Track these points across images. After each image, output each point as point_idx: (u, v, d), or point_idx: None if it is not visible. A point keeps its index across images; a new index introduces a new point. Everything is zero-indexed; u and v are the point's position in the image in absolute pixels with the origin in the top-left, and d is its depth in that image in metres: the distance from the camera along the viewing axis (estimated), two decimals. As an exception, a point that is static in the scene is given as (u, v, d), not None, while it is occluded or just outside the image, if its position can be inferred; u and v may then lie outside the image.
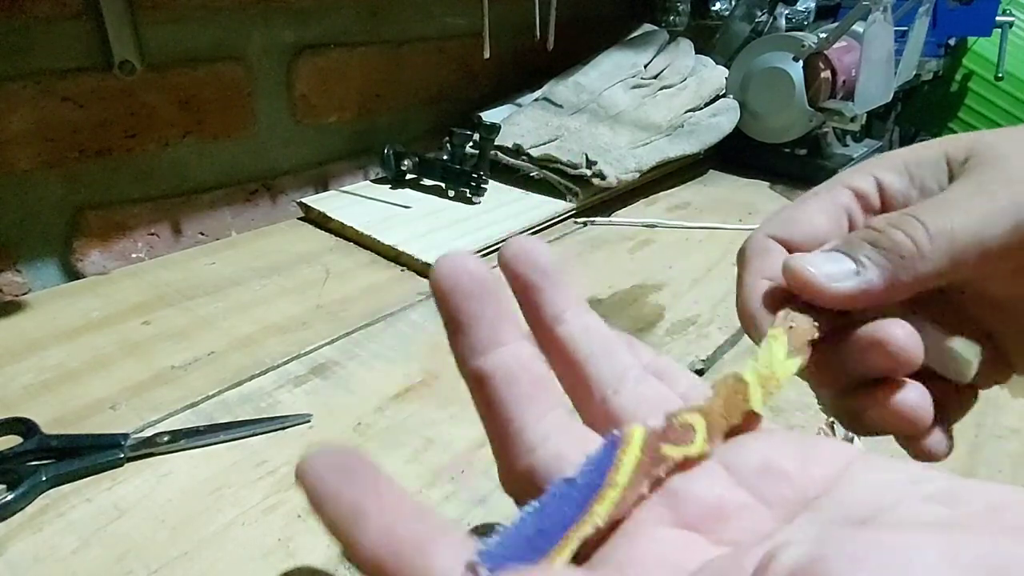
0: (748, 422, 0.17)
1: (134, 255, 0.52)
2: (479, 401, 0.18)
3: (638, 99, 0.72)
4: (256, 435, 0.32)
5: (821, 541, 0.12)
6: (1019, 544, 0.11)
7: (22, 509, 0.28)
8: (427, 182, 0.63)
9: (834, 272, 0.19)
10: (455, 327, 0.18)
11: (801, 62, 0.68)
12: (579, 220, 0.60)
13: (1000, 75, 1.19)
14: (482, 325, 0.18)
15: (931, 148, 0.22)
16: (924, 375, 0.20)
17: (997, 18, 1.06)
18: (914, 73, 0.80)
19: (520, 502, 0.17)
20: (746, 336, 0.26)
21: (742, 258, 0.23)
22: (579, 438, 0.17)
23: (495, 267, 0.18)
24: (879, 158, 0.23)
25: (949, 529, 0.13)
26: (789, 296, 0.21)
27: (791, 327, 0.19)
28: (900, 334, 0.19)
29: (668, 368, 0.19)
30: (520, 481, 0.17)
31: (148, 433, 0.31)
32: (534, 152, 0.62)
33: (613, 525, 0.15)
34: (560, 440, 0.17)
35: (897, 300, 0.20)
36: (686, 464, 0.16)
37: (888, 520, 0.14)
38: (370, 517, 0.14)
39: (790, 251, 0.22)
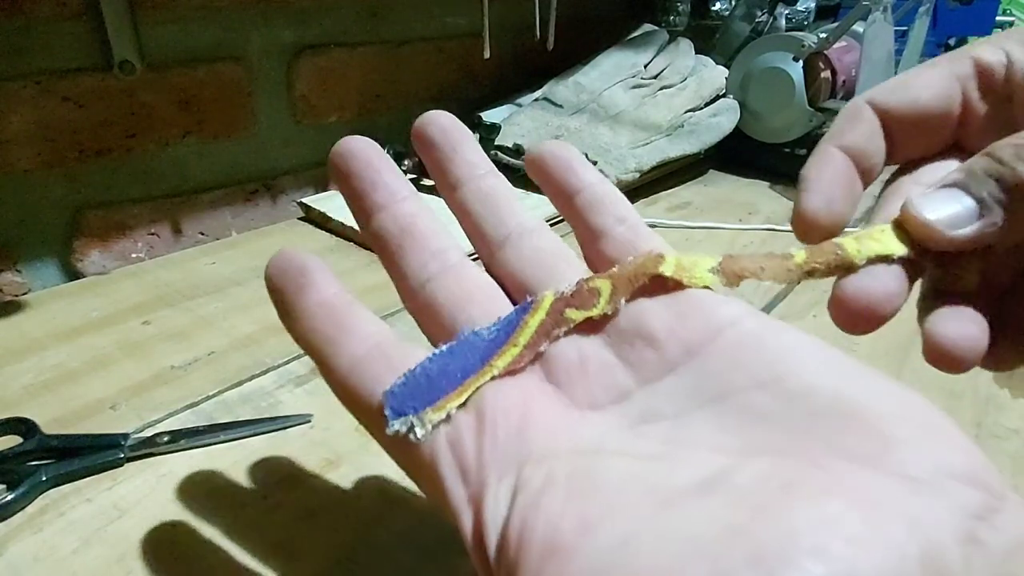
0: (656, 287, 0.17)
1: (134, 255, 0.52)
2: (380, 256, 0.21)
3: (638, 99, 0.72)
4: (256, 435, 0.32)
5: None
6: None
7: (22, 509, 0.28)
8: (427, 182, 0.62)
9: (956, 217, 0.17)
10: (349, 196, 0.21)
11: (801, 62, 0.68)
12: (579, 220, 0.60)
13: (1000, 75, 1.19)
14: (369, 193, 0.21)
15: None
16: None
17: (997, 18, 1.06)
18: (914, 73, 0.80)
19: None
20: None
21: (836, 121, 0.22)
22: (461, 282, 0.19)
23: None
24: (1017, 30, 0.21)
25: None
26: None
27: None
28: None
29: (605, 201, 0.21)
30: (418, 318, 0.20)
31: (148, 433, 0.31)
32: (534, 152, 0.62)
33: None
34: (436, 285, 0.19)
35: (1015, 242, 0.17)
36: (587, 325, 0.17)
37: (723, 408, 0.14)
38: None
39: (887, 119, 0.21)
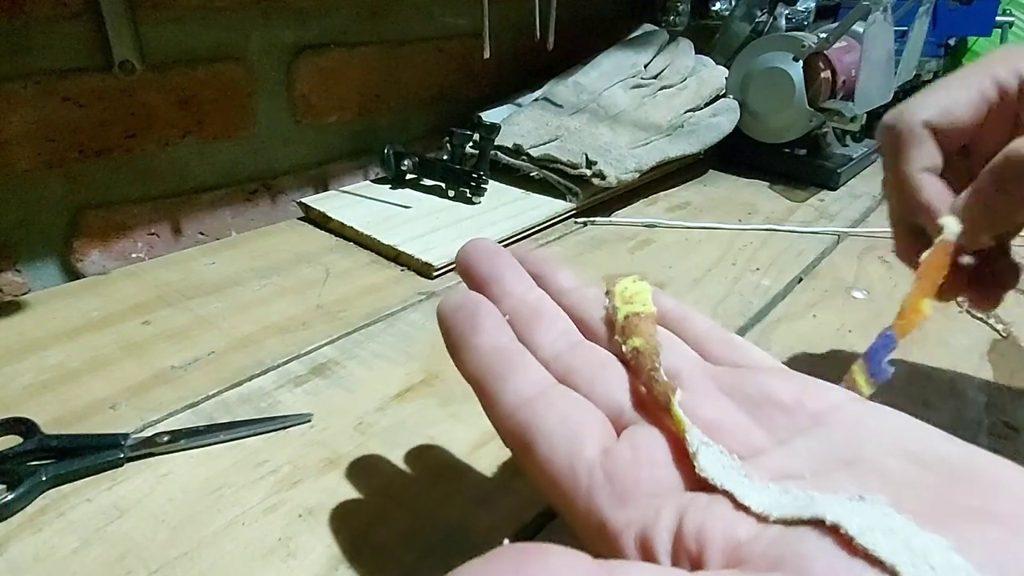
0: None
1: (134, 255, 0.52)
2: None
3: (638, 99, 0.72)
4: (256, 435, 0.32)
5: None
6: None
7: (22, 509, 0.28)
8: (427, 182, 0.63)
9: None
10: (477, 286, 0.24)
11: (801, 62, 0.68)
12: (579, 220, 0.60)
13: (1000, 75, 1.19)
14: (495, 281, 0.24)
15: None
16: None
17: (997, 18, 1.06)
18: (914, 73, 0.80)
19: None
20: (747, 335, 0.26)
21: (896, 141, 0.27)
22: (584, 355, 0.22)
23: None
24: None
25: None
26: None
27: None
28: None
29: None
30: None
31: (148, 433, 0.31)
32: (534, 152, 0.62)
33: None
34: (571, 356, 0.22)
35: None
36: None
37: (861, 471, 0.15)
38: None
39: (937, 138, 0.26)
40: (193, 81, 0.52)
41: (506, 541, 0.15)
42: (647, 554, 0.16)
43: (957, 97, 0.26)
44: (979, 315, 0.44)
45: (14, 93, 0.43)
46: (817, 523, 0.14)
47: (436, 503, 0.28)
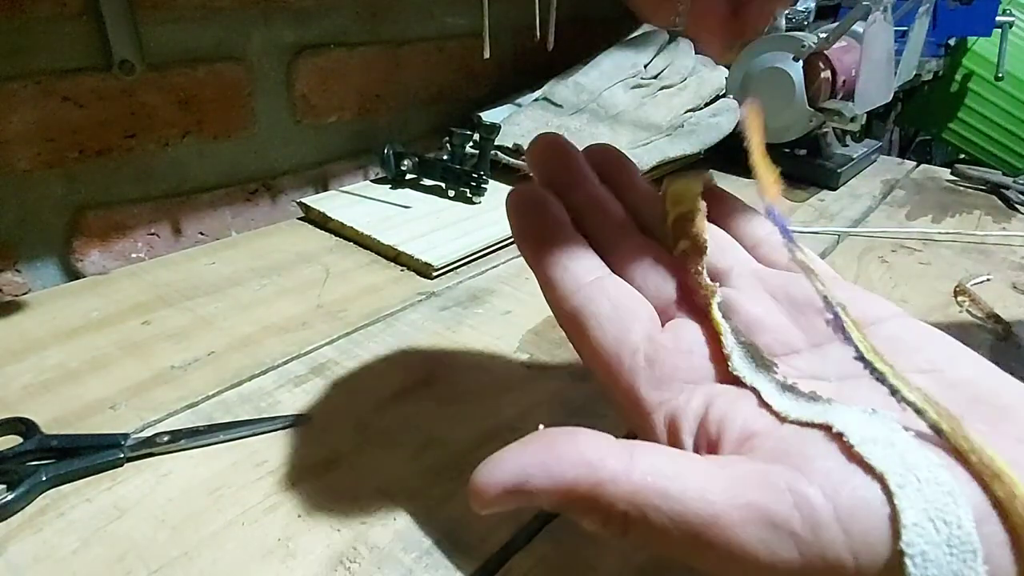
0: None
1: (134, 255, 0.52)
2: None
3: (638, 99, 0.72)
4: (256, 435, 0.32)
5: None
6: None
7: (22, 509, 0.28)
8: (427, 182, 0.63)
9: None
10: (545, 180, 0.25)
11: (801, 62, 0.68)
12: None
13: (1000, 75, 1.19)
14: (564, 173, 0.25)
15: None
16: None
17: (997, 18, 1.06)
18: (914, 73, 0.80)
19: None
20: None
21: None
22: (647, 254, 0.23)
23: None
24: None
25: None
26: None
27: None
28: None
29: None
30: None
31: (148, 433, 0.31)
32: (534, 152, 0.62)
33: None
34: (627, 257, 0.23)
35: None
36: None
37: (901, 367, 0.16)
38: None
39: None
40: (193, 81, 0.52)
41: (541, 426, 0.17)
42: (673, 433, 0.18)
43: None
44: (979, 315, 0.44)
45: (14, 93, 0.43)
46: (826, 428, 0.15)
47: (436, 503, 0.28)
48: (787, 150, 0.74)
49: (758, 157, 0.23)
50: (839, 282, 0.20)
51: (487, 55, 0.57)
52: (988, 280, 0.49)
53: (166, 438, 0.31)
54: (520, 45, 0.76)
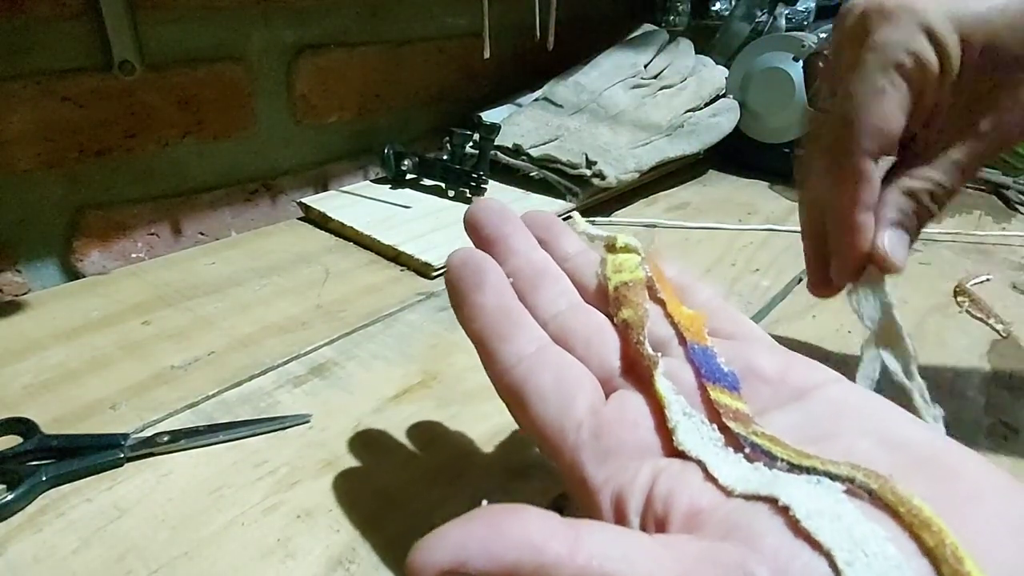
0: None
1: (134, 255, 0.52)
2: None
3: (638, 99, 0.72)
4: (256, 435, 0.32)
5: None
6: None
7: (22, 509, 0.28)
8: (427, 182, 0.63)
9: (901, 254, 0.27)
10: (484, 246, 0.25)
11: (801, 62, 0.68)
12: (579, 220, 0.60)
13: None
14: (501, 241, 0.24)
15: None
16: None
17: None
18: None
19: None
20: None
21: (848, 173, 0.27)
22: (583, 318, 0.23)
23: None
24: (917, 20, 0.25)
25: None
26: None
27: None
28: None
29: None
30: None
31: (148, 433, 0.31)
32: (534, 152, 0.62)
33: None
34: (566, 318, 0.23)
35: None
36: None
37: (830, 448, 0.16)
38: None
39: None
40: (193, 81, 0.52)
41: (484, 502, 0.16)
42: (620, 511, 0.17)
43: (889, 118, 0.26)
44: (979, 315, 0.44)
45: (14, 93, 0.43)
46: (772, 502, 0.15)
47: (435, 503, 0.28)
48: (787, 150, 0.74)
49: (673, 307, 0.22)
50: (777, 349, 0.20)
51: (487, 55, 0.57)
52: (988, 280, 0.49)
53: (166, 438, 0.31)
54: (520, 45, 0.76)
